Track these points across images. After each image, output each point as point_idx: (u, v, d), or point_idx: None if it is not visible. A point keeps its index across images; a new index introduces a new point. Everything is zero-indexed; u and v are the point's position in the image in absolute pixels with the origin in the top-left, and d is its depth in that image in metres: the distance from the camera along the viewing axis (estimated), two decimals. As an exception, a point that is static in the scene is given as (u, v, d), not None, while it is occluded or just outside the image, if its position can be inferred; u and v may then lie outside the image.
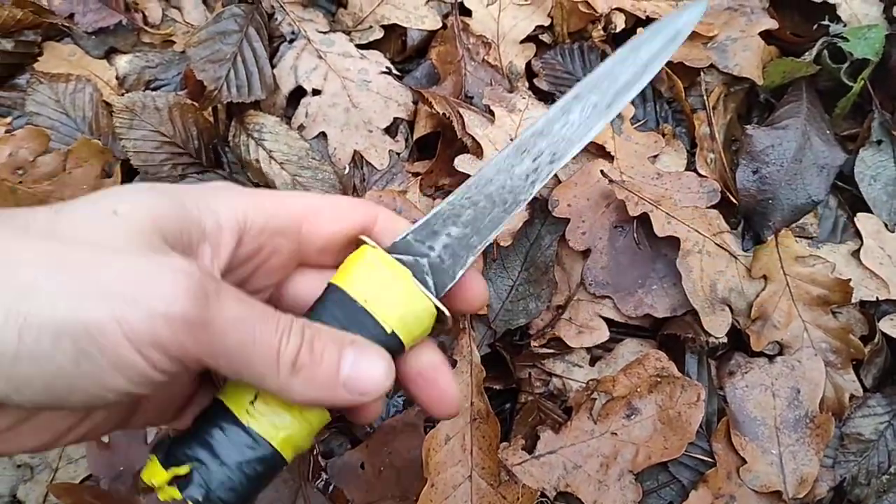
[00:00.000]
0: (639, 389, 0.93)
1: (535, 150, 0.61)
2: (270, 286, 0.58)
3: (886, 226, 1.03)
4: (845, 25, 1.12)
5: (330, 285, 0.55)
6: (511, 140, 1.03)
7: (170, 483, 0.47)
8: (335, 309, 0.53)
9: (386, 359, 0.51)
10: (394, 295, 0.53)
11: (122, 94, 1.03)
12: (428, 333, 0.55)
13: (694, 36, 1.12)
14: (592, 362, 0.99)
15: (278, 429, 0.50)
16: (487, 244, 0.59)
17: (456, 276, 0.57)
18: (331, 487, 0.92)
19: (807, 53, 1.10)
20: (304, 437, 0.52)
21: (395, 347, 0.53)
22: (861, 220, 1.03)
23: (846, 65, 1.08)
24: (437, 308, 0.54)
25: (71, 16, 1.12)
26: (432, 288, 0.55)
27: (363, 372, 0.49)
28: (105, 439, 0.92)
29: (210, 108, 1.05)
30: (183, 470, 0.47)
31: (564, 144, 0.61)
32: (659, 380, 0.92)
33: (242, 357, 0.45)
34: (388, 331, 0.52)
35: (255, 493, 0.50)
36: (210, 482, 0.48)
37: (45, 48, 1.11)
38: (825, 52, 1.10)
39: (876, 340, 0.97)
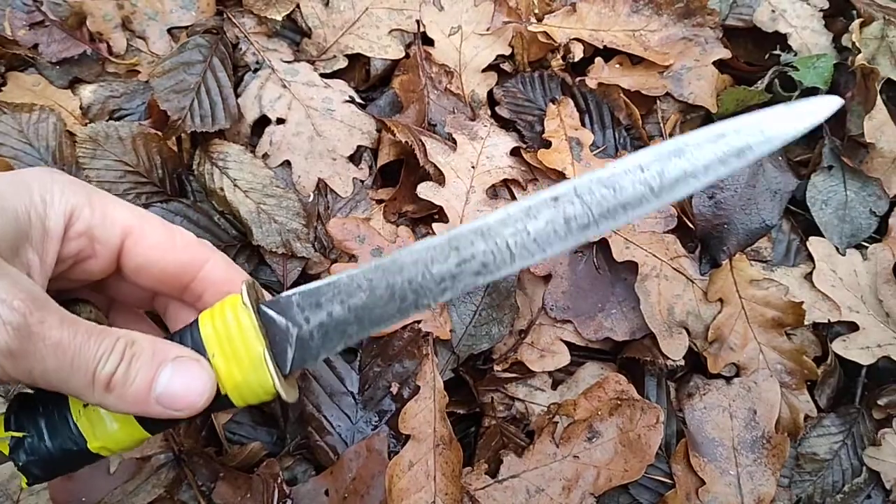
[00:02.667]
0: (599, 412, 0.94)
1: (467, 253, 0.53)
2: (91, 280, 0.60)
3: (838, 249, 1.06)
4: (796, 55, 1.16)
5: (196, 321, 0.57)
6: (472, 168, 1.05)
7: (4, 438, 0.55)
8: (189, 346, 0.56)
9: (204, 379, 0.53)
10: (238, 363, 0.54)
11: (86, 124, 1.04)
12: (267, 401, 0.57)
13: (650, 65, 1.15)
14: (554, 386, 1.00)
15: (98, 436, 0.55)
16: (363, 339, 0.58)
17: (318, 359, 0.56)
18: (295, 515, 0.92)
19: (759, 82, 1.13)
20: (126, 445, 0.57)
21: (225, 404, 0.56)
22: (813, 243, 1.06)
23: (797, 93, 1.11)
24: (278, 392, 0.55)
25: (35, 46, 1.12)
26: (289, 362, 0.56)
27: (177, 390, 0.52)
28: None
29: (174, 138, 1.06)
30: (18, 434, 0.55)
31: (502, 259, 0.53)
32: (619, 403, 0.94)
33: (60, 378, 0.49)
34: (223, 392, 0.55)
35: (68, 472, 0.58)
36: (32, 454, 0.55)
37: (9, 78, 1.11)
38: (776, 80, 1.13)
39: (829, 361, 1.00)
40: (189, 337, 0.56)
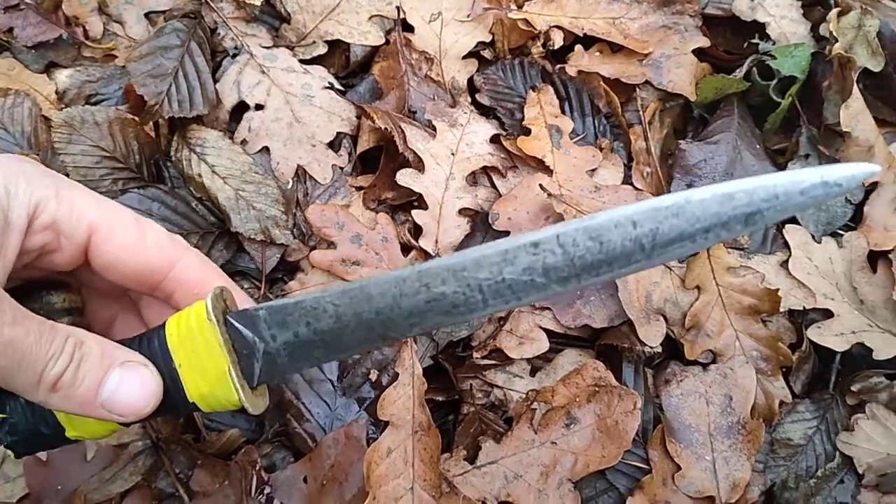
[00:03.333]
0: (577, 399, 0.94)
1: (437, 292, 0.50)
2: (59, 271, 0.60)
3: (813, 237, 1.07)
4: (774, 44, 1.16)
5: (163, 326, 0.57)
6: (452, 155, 1.05)
7: None
8: (157, 354, 0.56)
9: (151, 386, 0.54)
10: (204, 376, 0.55)
11: (62, 109, 1.03)
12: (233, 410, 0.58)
13: (630, 53, 1.15)
14: (533, 373, 1.01)
15: (74, 426, 0.56)
16: (331, 362, 0.58)
17: (285, 375, 0.58)
18: (273, 501, 0.92)
19: (738, 70, 1.14)
20: (101, 434, 0.58)
21: (192, 409, 0.57)
22: (789, 231, 1.07)
23: (774, 81, 1.12)
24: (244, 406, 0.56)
25: (10, 30, 1.11)
26: (257, 375, 0.56)
27: (123, 396, 0.53)
28: (43, 457, 0.91)
29: (151, 123, 1.05)
30: (1, 416, 0.56)
31: (474, 302, 0.50)
32: (597, 389, 0.94)
33: (7, 376, 0.50)
34: (190, 400, 0.56)
35: (50, 449, 0.63)
36: (14, 434, 0.56)
37: (-17, 62, 1.10)
38: (755, 69, 1.14)
39: (804, 348, 1.01)
40: (156, 342, 0.56)
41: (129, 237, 0.59)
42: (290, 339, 0.54)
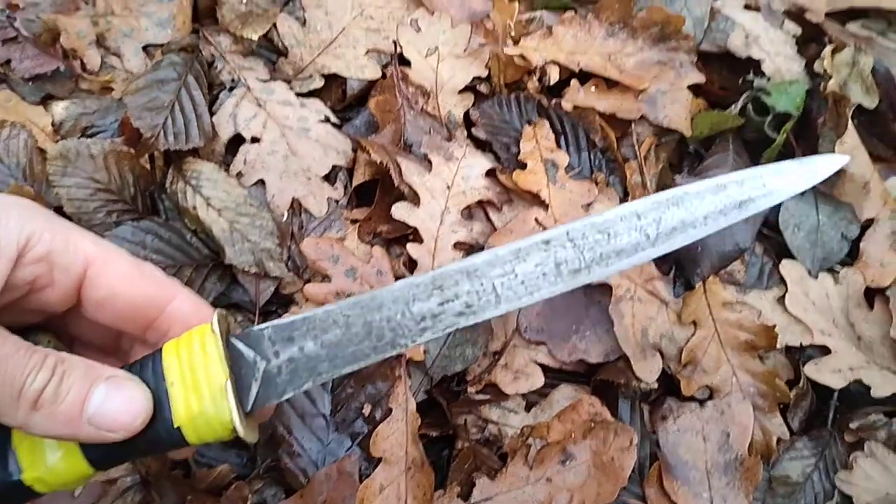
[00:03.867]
0: (573, 435, 0.93)
1: (451, 293, 0.52)
2: (48, 312, 0.58)
3: (810, 272, 1.07)
4: (769, 80, 1.17)
5: (160, 350, 0.54)
6: (447, 189, 1.05)
7: None
8: (148, 375, 0.53)
9: (141, 399, 0.51)
10: (197, 393, 0.52)
11: (57, 141, 1.03)
12: (224, 440, 0.55)
13: (626, 88, 1.15)
14: (528, 408, 1.00)
15: (36, 465, 0.51)
16: (333, 378, 0.54)
17: (283, 397, 0.54)
18: (264, 539, 0.91)
19: (733, 106, 1.14)
20: (65, 480, 0.52)
21: (177, 441, 0.53)
22: (786, 267, 1.07)
23: (769, 117, 1.12)
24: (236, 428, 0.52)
25: (7, 62, 1.11)
26: (252, 398, 0.54)
27: (112, 409, 0.50)
28: (31, 493, 0.89)
29: (147, 156, 1.05)
30: None
31: (487, 300, 0.52)
32: (593, 425, 0.93)
33: None
34: (175, 425, 0.52)
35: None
36: None
37: (-20, 94, 1.10)
38: (750, 105, 1.14)
39: (801, 384, 1.00)
40: (150, 365, 0.54)
41: (126, 269, 0.57)
42: (294, 355, 0.53)
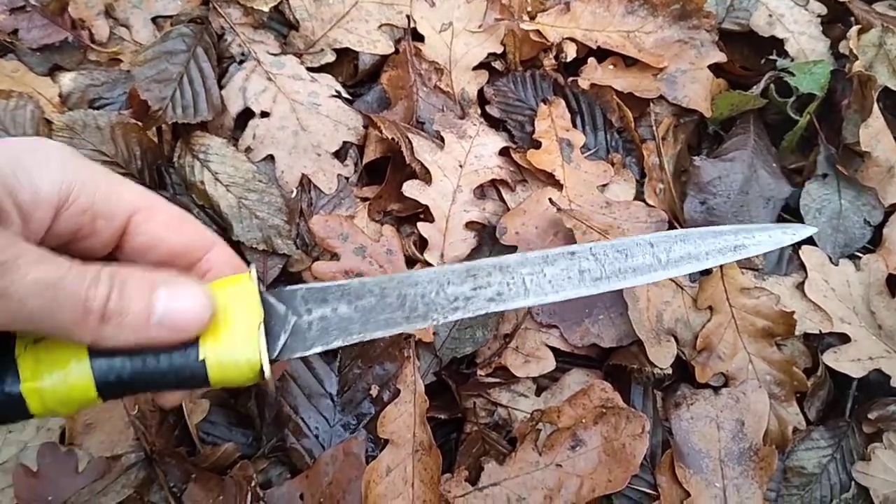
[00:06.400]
0: (584, 420, 0.91)
1: (483, 281, 0.57)
2: (85, 256, 0.56)
3: (830, 259, 1.04)
4: (792, 60, 1.14)
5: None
6: (460, 167, 1.03)
7: None
8: None
9: (202, 294, 0.51)
10: (229, 331, 0.53)
11: (64, 112, 1.01)
12: (245, 385, 0.54)
13: (644, 67, 1.13)
14: (538, 392, 0.98)
15: (37, 378, 0.50)
16: (362, 340, 0.56)
17: (310, 351, 0.55)
18: (268, 519, 0.89)
19: (754, 87, 1.11)
20: (66, 400, 0.51)
21: (197, 375, 0.52)
22: (806, 253, 1.04)
23: (792, 99, 1.09)
24: (262, 369, 0.52)
25: (15, 31, 1.10)
26: (279, 346, 0.54)
27: (178, 308, 0.50)
28: (34, 468, 0.88)
29: (155, 129, 1.03)
30: None
31: (517, 291, 0.57)
32: (604, 411, 0.91)
33: (46, 318, 0.46)
34: (200, 357, 0.52)
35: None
36: None
37: (-13, 64, 1.08)
38: (772, 85, 1.11)
39: (819, 373, 0.98)
40: None
41: (169, 218, 0.57)
42: (326, 314, 0.55)
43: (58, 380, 0.50)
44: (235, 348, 0.52)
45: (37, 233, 0.51)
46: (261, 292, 0.55)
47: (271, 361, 0.53)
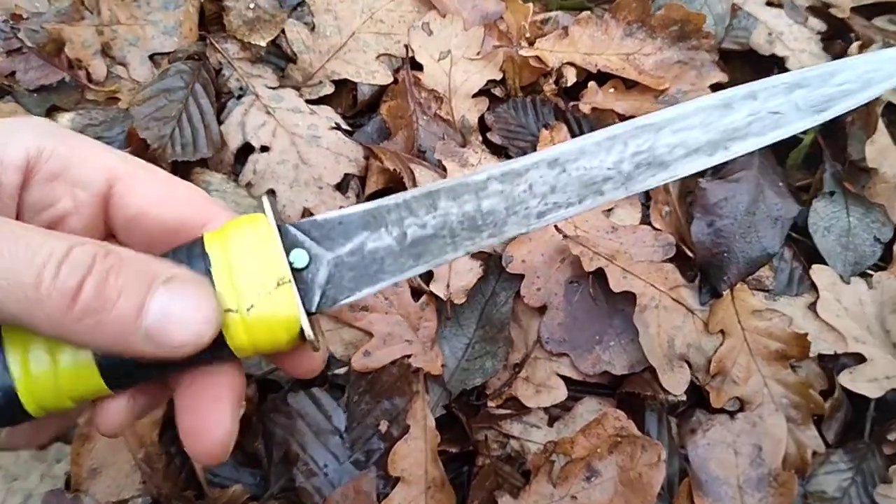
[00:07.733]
0: (598, 450, 0.90)
1: (566, 175, 0.49)
2: None
3: (842, 277, 1.03)
4: (794, 78, 1.13)
5: (201, 239, 0.45)
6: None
7: None
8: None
9: (209, 304, 0.41)
10: (252, 289, 0.43)
11: (63, 153, 1.00)
12: (284, 350, 0.45)
13: (645, 89, 1.12)
14: (551, 423, 0.96)
15: (32, 366, 0.41)
16: (416, 274, 0.47)
17: (354, 295, 0.45)
18: (279, 562, 0.87)
19: (757, 106, 1.10)
20: (67, 393, 0.42)
21: (219, 349, 0.43)
22: (816, 272, 1.03)
23: (796, 117, 1.08)
24: (303, 328, 0.43)
25: (12, 73, 1.09)
26: (316, 299, 0.45)
27: (174, 319, 0.40)
28: None
29: (154, 167, 1.02)
30: None
31: (601, 185, 0.49)
32: (619, 440, 0.90)
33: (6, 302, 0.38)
34: (222, 327, 0.42)
35: None
36: None
37: (-16, 106, 1.08)
38: (775, 104, 1.10)
39: (836, 395, 0.96)
40: (185, 257, 0.44)
41: (158, 187, 0.49)
42: (372, 248, 0.47)
43: (56, 368, 0.42)
44: (264, 314, 0.43)
45: (7, 204, 0.44)
46: (281, 228, 0.46)
47: (309, 315, 0.44)
